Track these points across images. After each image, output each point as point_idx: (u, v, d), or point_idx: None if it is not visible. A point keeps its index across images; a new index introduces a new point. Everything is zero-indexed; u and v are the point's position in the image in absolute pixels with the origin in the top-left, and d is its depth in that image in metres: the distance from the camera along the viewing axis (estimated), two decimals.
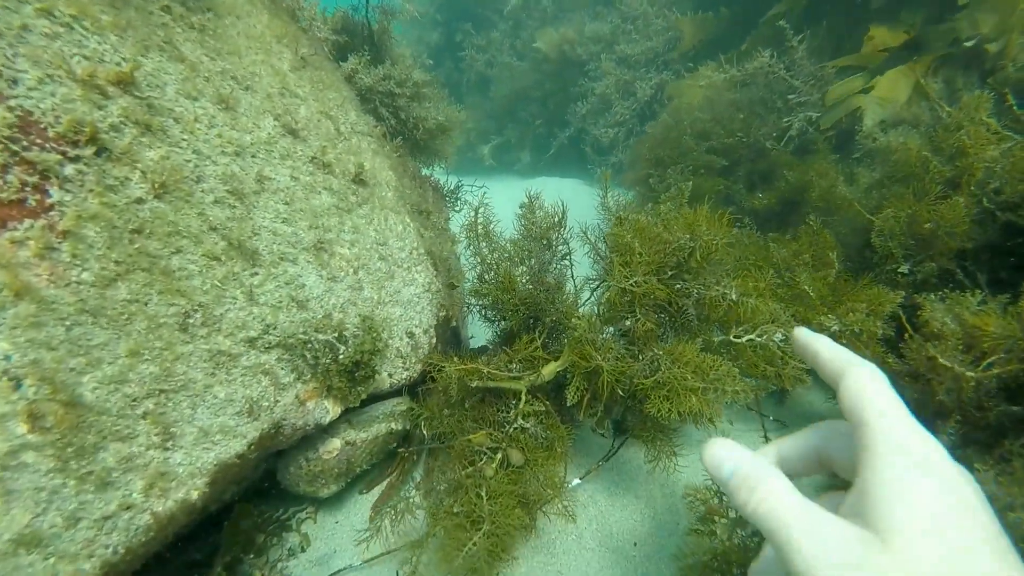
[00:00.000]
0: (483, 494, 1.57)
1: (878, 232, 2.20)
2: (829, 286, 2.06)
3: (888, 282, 2.12)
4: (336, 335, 1.68)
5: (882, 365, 1.80)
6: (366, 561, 1.74)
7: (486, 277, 1.97)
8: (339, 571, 1.73)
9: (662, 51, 5.88)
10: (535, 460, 1.67)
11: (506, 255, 1.94)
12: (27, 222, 1.14)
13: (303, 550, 1.80)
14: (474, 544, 1.50)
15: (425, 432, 1.86)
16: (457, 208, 3.99)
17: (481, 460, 1.66)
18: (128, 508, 1.16)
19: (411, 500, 1.74)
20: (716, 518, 1.48)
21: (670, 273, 1.66)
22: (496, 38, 8.00)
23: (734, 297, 1.58)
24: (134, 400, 1.23)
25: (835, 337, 1.73)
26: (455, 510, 1.58)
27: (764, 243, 2.51)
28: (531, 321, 1.91)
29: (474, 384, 1.69)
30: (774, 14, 4.11)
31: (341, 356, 1.68)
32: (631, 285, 1.58)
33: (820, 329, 1.70)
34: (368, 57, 2.97)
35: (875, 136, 3.29)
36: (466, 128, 7.39)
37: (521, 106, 7.50)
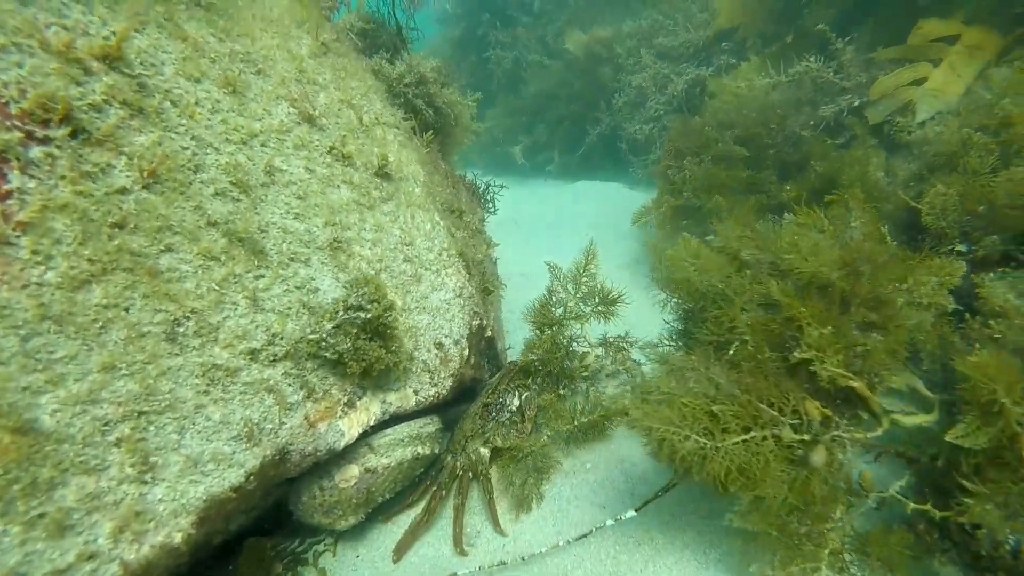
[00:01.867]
0: (762, 446, 1.40)
1: (928, 211, 2.07)
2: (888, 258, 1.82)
3: None
4: (343, 309, 1.45)
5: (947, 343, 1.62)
6: None
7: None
8: None
9: (702, 45, 5.56)
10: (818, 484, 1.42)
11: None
12: None
13: None
14: (715, 449, 1.39)
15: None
16: (491, 211, 3.78)
17: (769, 420, 1.45)
18: (90, 558, 0.95)
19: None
20: None
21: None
22: (521, 34, 7.75)
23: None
24: (106, 424, 1.02)
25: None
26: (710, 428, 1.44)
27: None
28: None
29: (852, 384, 1.47)
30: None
31: (369, 316, 1.46)
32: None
33: None
34: (389, 55, 2.82)
35: (910, 129, 2.94)
36: (495, 126, 7.24)
37: (551, 105, 7.25)
